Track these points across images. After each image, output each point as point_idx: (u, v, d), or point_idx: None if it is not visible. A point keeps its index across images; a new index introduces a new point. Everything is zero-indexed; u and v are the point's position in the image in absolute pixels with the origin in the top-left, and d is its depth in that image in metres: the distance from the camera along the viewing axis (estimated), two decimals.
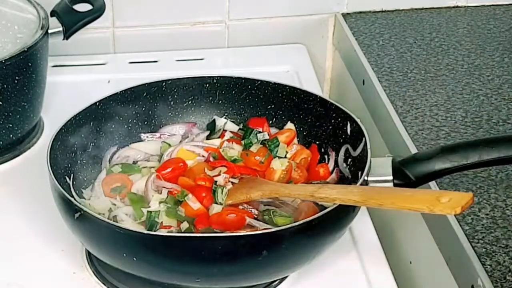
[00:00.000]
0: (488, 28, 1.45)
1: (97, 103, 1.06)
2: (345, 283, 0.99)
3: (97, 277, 0.98)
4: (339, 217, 0.92)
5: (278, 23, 1.48)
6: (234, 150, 1.06)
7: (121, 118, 1.08)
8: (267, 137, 1.07)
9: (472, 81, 1.29)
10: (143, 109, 1.10)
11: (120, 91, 1.08)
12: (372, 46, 1.40)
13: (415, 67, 1.34)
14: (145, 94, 1.10)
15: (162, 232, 0.94)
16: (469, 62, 1.35)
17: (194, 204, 0.97)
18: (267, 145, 1.06)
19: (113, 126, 1.08)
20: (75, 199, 0.96)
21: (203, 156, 1.06)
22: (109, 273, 0.98)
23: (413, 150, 1.12)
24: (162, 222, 0.96)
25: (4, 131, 1.16)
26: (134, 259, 0.89)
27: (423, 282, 1.09)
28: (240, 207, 0.98)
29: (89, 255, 1.01)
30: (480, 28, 1.45)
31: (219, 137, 1.10)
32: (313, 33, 1.50)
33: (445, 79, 1.30)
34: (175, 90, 1.11)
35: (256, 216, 0.97)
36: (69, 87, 1.36)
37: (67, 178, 1.00)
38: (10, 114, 1.15)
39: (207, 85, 1.11)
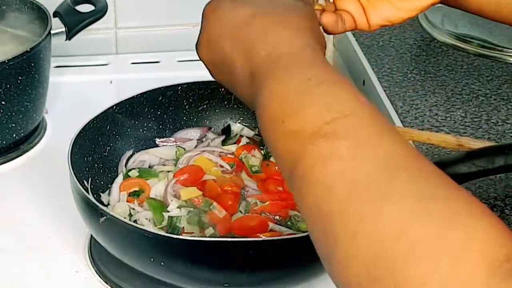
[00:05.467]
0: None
1: (114, 107, 1.06)
2: None
3: (100, 276, 0.99)
4: None
5: None
6: (256, 159, 1.05)
7: (136, 122, 1.08)
8: None
9: (471, 82, 1.30)
10: (158, 112, 1.10)
11: (136, 95, 1.08)
12: (372, 47, 1.40)
13: (415, 67, 1.35)
14: (160, 98, 1.09)
15: (194, 236, 0.93)
16: (468, 62, 1.36)
17: (220, 212, 0.96)
18: None
19: (129, 130, 1.08)
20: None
21: (220, 166, 1.05)
22: (112, 272, 0.98)
23: None
24: (183, 227, 0.95)
25: (7, 130, 1.17)
26: (162, 263, 0.88)
27: None
28: (263, 215, 0.97)
29: (91, 254, 1.02)
30: None
31: (235, 143, 1.10)
32: None
33: (445, 80, 1.31)
34: (190, 94, 1.11)
35: (277, 222, 0.96)
36: (72, 88, 1.36)
37: (85, 182, 0.99)
38: (13, 114, 1.16)
39: (222, 89, 1.11)
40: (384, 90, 1.28)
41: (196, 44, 0.77)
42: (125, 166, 1.06)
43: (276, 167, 1.03)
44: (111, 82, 1.39)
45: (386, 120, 0.60)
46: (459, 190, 0.54)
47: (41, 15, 1.21)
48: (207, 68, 0.76)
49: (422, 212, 0.51)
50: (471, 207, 0.52)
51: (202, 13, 0.75)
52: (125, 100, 1.07)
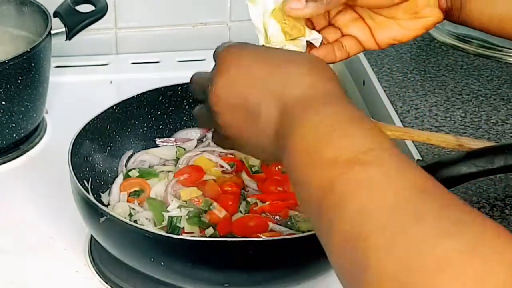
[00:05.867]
0: None
1: (114, 107, 1.06)
2: None
3: (100, 276, 0.99)
4: None
5: None
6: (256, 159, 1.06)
7: (136, 122, 1.08)
8: None
9: (471, 82, 1.30)
10: (159, 112, 1.10)
11: (136, 95, 1.08)
12: None
13: (415, 67, 1.35)
14: (160, 98, 1.10)
15: (195, 237, 0.93)
16: (468, 62, 1.36)
17: (220, 212, 0.96)
18: None
19: (129, 130, 1.08)
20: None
21: (221, 166, 1.05)
22: (112, 272, 0.98)
23: (413, 150, 1.12)
24: (183, 227, 0.95)
25: (7, 130, 1.17)
26: (162, 263, 0.88)
27: None
28: (263, 215, 0.98)
29: (91, 254, 1.02)
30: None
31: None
32: None
33: (445, 80, 1.31)
34: (190, 94, 1.11)
35: (277, 222, 0.97)
36: (72, 88, 1.36)
37: (85, 182, 1.00)
38: (13, 114, 1.16)
39: None
40: (384, 90, 1.28)
41: (207, 87, 0.77)
42: (125, 166, 1.07)
43: (276, 168, 1.03)
44: (111, 82, 1.39)
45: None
46: (482, 215, 0.57)
47: (41, 15, 1.21)
48: (217, 112, 0.76)
49: (453, 231, 0.54)
50: (498, 230, 0.55)
51: (218, 56, 0.77)
52: (125, 100, 1.07)
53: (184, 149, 1.09)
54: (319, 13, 0.83)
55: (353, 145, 0.63)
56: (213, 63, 0.87)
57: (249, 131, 0.74)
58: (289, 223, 0.96)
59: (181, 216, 0.95)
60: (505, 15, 0.84)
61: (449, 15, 0.86)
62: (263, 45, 0.83)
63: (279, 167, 1.04)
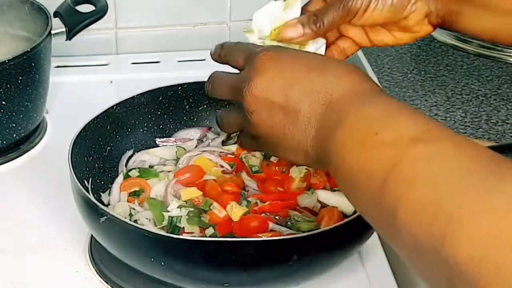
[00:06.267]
0: None
1: (114, 107, 1.06)
2: (345, 281, 1.00)
3: (100, 276, 0.99)
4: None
5: None
6: (256, 159, 1.05)
7: (137, 122, 1.08)
8: None
9: (471, 82, 1.30)
10: (159, 112, 1.10)
11: (137, 95, 1.08)
12: (372, 47, 1.40)
13: (415, 67, 1.35)
14: (160, 98, 1.10)
15: (194, 236, 0.93)
16: (468, 62, 1.36)
17: (220, 212, 0.96)
18: None
19: (129, 129, 1.08)
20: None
21: (221, 166, 1.05)
22: (112, 272, 0.98)
23: None
24: (184, 227, 0.95)
25: (7, 130, 1.17)
26: (162, 263, 0.88)
27: (423, 282, 1.09)
28: (263, 214, 0.98)
29: (92, 254, 1.02)
30: None
31: (235, 143, 1.09)
32: None
33: (445, 80, 1.31)
34: (190, 94, 1.11)
35: (277, 222, 0.96)
36: (72, 88, 1.36)
37: (86, 182, 1.00)
38: (14, 113, 1.16)
39: None
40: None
41: (243, 86, 0.78)
42: (126, 166, 1.07)
43: (276, 168, 1.04)
44: (111, 82, 1.39)
45: None
46: None
47: (42, 15, 1.21)
48: (251, 111, 0.78)
49: None
50: None
51: (256, 60, 0.78)
52: (126, 100, 1.07)
53: (184, 149, 1.09)
54: (317, 38, 0.86)
55: (414, 126, 0.65)
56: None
57: (284, 130, 0.76)
58: (289, 223, 0.96)
59: (181, 216, 0.95)
60: (498, 28, 0.86)
61: (441, 27, 0.89)
62: (299, 49, 0.85)
63: (279, 167, 1.04)
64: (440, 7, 0.87)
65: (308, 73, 0.75)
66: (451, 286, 0.57)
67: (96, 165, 1.03)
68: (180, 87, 1.11)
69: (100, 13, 1.25)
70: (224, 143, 1.08)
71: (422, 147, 0.62)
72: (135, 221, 0.97)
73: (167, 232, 0.94)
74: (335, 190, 1.01)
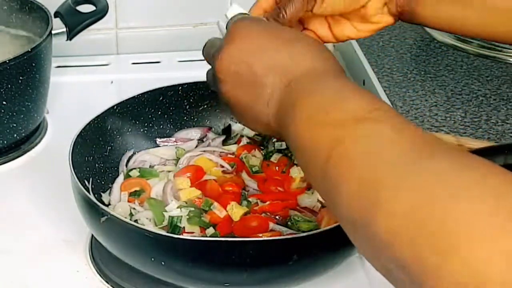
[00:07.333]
0: None
1: (115, 107, 1.06)
2: (345, 281, 1.00)
3: (101, 276, 0.99)
4: None
5: None
6: (256, 159, 1.05)
7: (137, 122, 1.08)
8: (284, 146, 1.06)
9: (471, 82, 1.30)
10: (159, 113, 1.10)
11: (137, 95, 1.08)
12: (372, 47, 1.41)
13: (415, 67, 1.35)
14: (161, 98, 1.10)
15: (195, 236, 0.93)
16: (468, 62, 1.36)
17: (220, 212, 0.97)
18: (286, 153, 1.06)
19: (129, 129, 1.08)
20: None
21: (221, 166, 1.05)
22: (113, 272, 0.98)
23: None
24: (184, 227, 0.95)
25: (8, 130, 1.17)
26: (162, 263, 0.88)
27: None
28: (263, 214, 0.98)
29: (92, 253, 1.02)
30: None
31: (235, 143, 1.10)
32: None
33: (445, 80, 1.31)
34: (191, 94, 1.11)
35: (278, 222, 0.96)
36: (72, 88, 1.37)
37: (86, 182, 1.00)
38: (14, 113, 1.16)
39: None
40: (384, 90, 1.28)
41: (215, 53, 0.81)
42: (126, 166, 1.07)
43: (276, 167, 1.04)
44: (112, 82, 1.39)
45: None
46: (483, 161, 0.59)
47: (42, 15, 1.22)
48: (219, 77, 0.80)
49: (465, 164, 0.58)
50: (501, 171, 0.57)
51: (230, 27, 0.81)
52: (126, 100, 1.07)
53: (185, 149, 1.09)
54: None
55: (360, 106, 0.68)
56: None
57: (248, 100, 0.79)
58: (289, 223, 0.96)
59: (181, 216, 0.95)
60: (454, 18, 0.89)
61: (401, 18, 0.92)
62: (273, 22, 0.87)
63: (279, 167, 1.04)
64: None
65: (276, 47, 0.78)
66: (378, 259, 0.60)
67: (97, 165, 1.03)
68: (180, 87, 1.11)
69: (100, 13, 1.25)
70: (224, 143, 1.09)
71: (364, 127, 0.65)
72: (136, 221, 0.97)
73: (167, 232, 0.94)
74: None
